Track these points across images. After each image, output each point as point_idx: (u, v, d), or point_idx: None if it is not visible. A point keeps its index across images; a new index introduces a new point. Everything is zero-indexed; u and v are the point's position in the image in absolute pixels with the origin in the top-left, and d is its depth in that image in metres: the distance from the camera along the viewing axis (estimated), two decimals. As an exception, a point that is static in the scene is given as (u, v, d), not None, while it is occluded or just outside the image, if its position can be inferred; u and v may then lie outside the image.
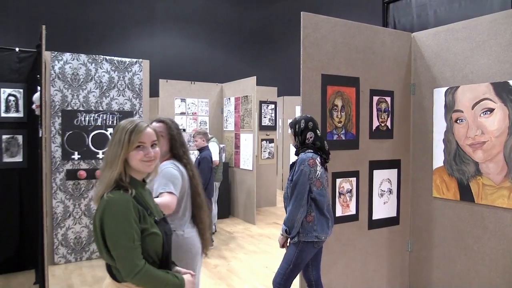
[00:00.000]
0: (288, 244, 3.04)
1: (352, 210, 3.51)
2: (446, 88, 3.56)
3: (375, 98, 3.65)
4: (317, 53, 3.30)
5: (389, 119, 3.74)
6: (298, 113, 10.48)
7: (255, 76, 7.11)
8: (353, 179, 3.51)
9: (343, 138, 3.44)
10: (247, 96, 7.25)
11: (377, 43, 3.66)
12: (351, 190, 3.50)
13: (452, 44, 3.53)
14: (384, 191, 3.72)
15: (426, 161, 3.75)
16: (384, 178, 3.72)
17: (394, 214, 3.80)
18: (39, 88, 4.03)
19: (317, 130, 3.04)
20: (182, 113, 7.75)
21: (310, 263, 3.12)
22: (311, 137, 3.01)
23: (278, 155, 10.26)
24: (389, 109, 3.75)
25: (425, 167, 3.76)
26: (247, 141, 7.29)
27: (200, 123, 7.85)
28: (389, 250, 3.79)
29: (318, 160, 2.95)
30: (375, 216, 3.67)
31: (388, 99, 3.74)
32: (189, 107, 7.81)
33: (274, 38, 12.58)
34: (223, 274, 4.79)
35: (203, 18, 11.83)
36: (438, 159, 3.63)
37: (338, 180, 3.41)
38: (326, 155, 3.03)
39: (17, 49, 4.80)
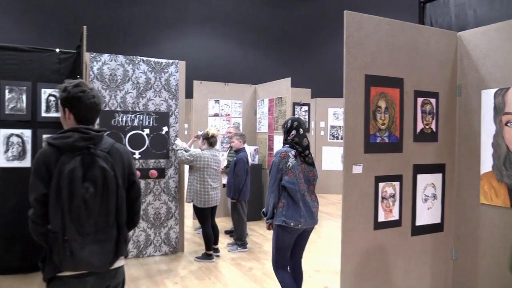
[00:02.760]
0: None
1: (395, 216, 3.39)
2: (496, 89, 3.39)
3: (420, 100, 3.52)
4: (361, 53, 3.20)
5: (433, 121, 3.60)
6: (331, 115, 10.35)
7: (290, 78, 7.04)
8: (397, 184, 3.39)
9: (387, 140, 3.32)
10: (281, 97, 7.19)
11: (421, 43, 3.53)
12: (394, 194, 3.38)
13: (503, 43, 3.36)
14: (428, 196, 3.58)
15: (473, 165, 3.58)
16: (428, 183, 3.58)
17: (438, 220, 3.65)
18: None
19: (300, 129, 3.52)
20: (216, 115, 7.76)
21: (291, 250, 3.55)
22: (293, 135, 3.51)
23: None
24: (434, 111, 3.61)
25: (471, 172, 3.60)
26: (281, 143, 7.21)
27: (233, 124, 7.83)
28: (432, 258, 3.65)
29: (291, 153, 3.44)
30: (419, 222, 3.53)
31: (433, 100, 3.60)
32: (223, 108, 7.81)
33: (307, 38, 12.48)
34: (258, 277, 4.74)
35: (236, 19, 11.84)
36: (486, 164, 3.46)
37: (381, 184, 3.29)
38: (303, 149, 3.45)
39: (57, 50, 4.88)
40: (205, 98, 7.70)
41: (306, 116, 8.67)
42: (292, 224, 3.32)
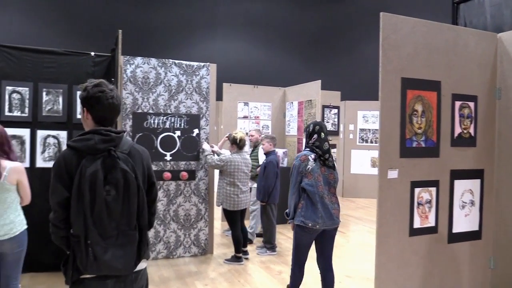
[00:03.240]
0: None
1: (431, 222, 3.30)
2: (539, 92, 3.27)
3: (457, 103, 3.43)
4: (397, 56, 3.14)
5: (472, 125, 3.50)
6: (360, 118, 10.22)
7: (320, 80, 6.99)
8: (433, 189, 3.30)
9: (423, 145, 3.24)
10: (310, 100, 7.14)
11: (459, 44, 3.44)
12: (430, 200, 3.29)
13: (547, 45, 3.24)
14: (465, 202, 3.48)
15: (514, 171, 3.46)
16: (466, 189, 3.47)
17: (476, 227, 3.54)
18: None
19: (322, 133, 3.61)
20: (245, 117, 7.77)
21: (318, 252, 3.66)
22: (314, 139, 3.61)
23: (339, 161, 10.03)
24: (472, 115, 3.50)
25: (512, 178, 3.48)
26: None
27: (262, 127, 7.83)
28: (469, 266, 3.53)
29: (311, 157, 3.54)
30: (456, 229, 3.43)
31: (472, 104, 3.49)
32: (252, 111, 7.82)
33: (337, 40, 12.38)
34: (287, 281, 4.69)
35: (265, 22, 11.86)
36: (528, 170, 3.34)
37: (416, 190, 3.21)
38: (323, 152, 3.55)
39: (92, 53, 4.98)
40: (235, 101, 7.73)
41: (336, 119, 8.58)
42: (310, 224, 3.44)
